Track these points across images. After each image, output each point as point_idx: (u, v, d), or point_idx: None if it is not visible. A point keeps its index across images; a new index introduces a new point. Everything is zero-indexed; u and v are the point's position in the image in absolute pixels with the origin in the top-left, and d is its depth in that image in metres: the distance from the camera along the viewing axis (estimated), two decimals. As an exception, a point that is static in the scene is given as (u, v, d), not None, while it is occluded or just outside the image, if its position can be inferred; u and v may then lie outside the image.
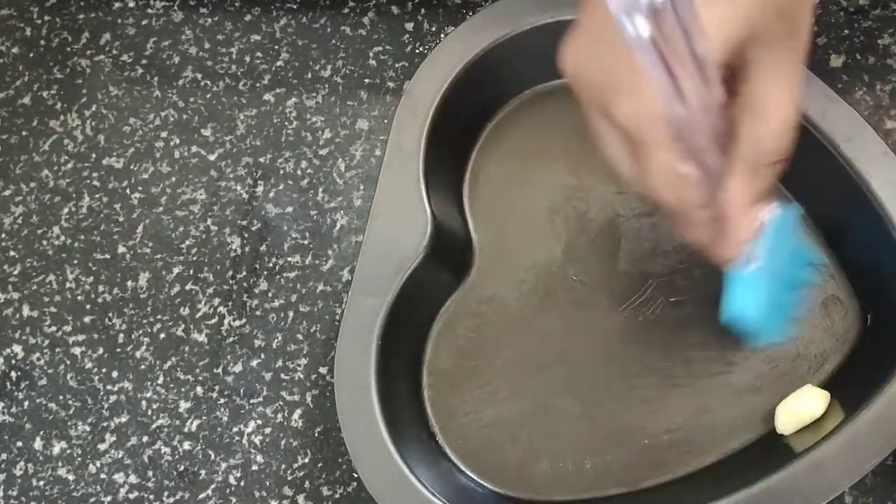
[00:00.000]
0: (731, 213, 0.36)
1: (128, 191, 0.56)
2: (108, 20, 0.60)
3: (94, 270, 0.55)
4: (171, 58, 0.58)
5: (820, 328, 0.47)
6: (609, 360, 0.48)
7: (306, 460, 0.49)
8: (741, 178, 0.36)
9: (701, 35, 0.29)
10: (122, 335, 0.53)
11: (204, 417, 0.51)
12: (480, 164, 0.52)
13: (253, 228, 0.54)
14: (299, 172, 0.55)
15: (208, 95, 0.57)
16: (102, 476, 0.51)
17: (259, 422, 0.50)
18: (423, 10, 0.56)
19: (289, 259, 0.53)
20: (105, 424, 0.52)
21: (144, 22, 0.59)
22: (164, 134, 0.57)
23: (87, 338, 0.53)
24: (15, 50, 0.60)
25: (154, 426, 0.51)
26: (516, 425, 0.47)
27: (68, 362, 0.53)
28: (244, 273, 0.53)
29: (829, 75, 0.48)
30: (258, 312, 0.52)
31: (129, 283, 0.54)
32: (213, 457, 0.50)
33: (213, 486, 0.50)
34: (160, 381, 0.52)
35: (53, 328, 0.54)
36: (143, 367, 0.52)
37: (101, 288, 0.54)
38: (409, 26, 0.56)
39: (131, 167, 0.56)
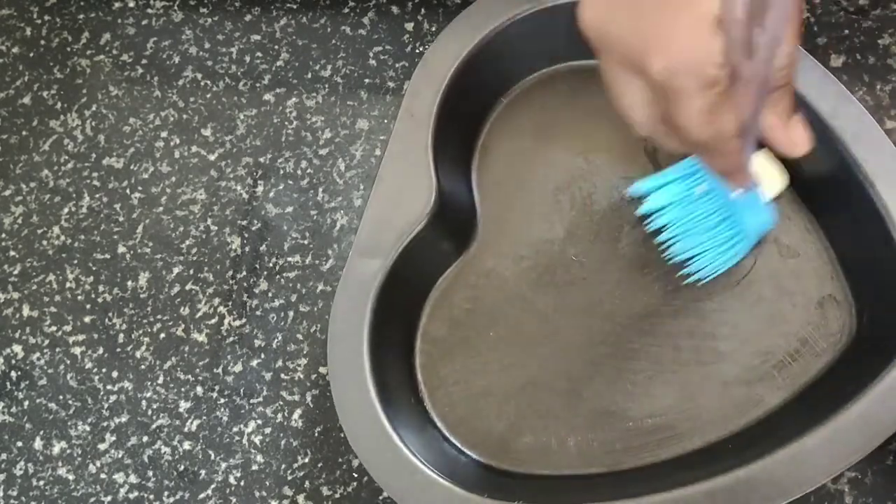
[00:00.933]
0: (774, 133, 0.40)
1: (128, 191, 0.56)
2: (108, 20, 0.60)
3: (94, 270, 0.55)
4: (171, 58, 0.58)
5: (814, 326, 0.47)
6: (601, 342, 0.48)
7: (306, 460, 0.49)
8: (770, 107, 0.38)
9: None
10: (122, 335, 0.53)
11: (204, 417, 0.51)
12: (492, 138, 0.53)
13: (253, 228, 0.54)
14: (299, 172, 0.55)
15: (208, 95, 0.57)
16: (102, 476, 0.51)
17: (259, 422, 0.50)
18: (423, 10, 0.56)
19: (289, 259, 0.53)
20: (105, 424, 0.52)
21: (144, 22, 0.59)
22: (164, 134, 0.57)
23: (87, 338, 0.53)
24: (15, 50, 0.60)
25: (154, 426, 0.51)
26: (504, 398, 0.48)
27: (68, 362, 0.53)
28: (244, 273, 0.53)
29: (829, 75, 0.48)
30: (258, 312, 0.52)
31: (129, 283, 0.54)
32: (213, 457, 0.50)
33: (213, 486, 0.50)
34: (160, 381, 0.52)
35: (53, 328, 0.54)
36: (143, 367, 0.52)
37: (101, 288, 0.54)
38: (409, 26, 0.56)
39: (131, 167, 0.56)
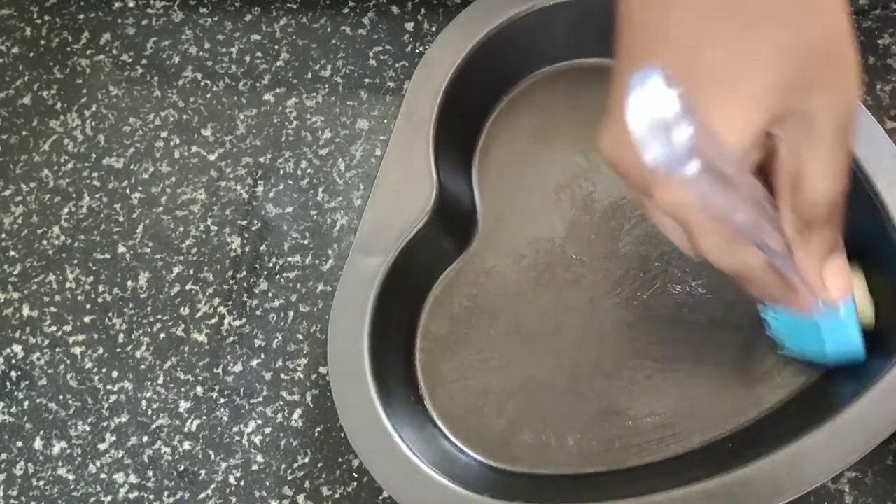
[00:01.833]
0: (805, 276, 0.37)
1: (128, 191, 0.56)
2: (108, 20, 0.60)
3: (94, 270, 0.55)
4: (171, 58, 0.58)
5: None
6: (601, 341, 0.48)
7: (306, 460, 0.49)
8: (797, 243, 0.36)
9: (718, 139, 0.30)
10: (122, 335, 0.53)
11: (204, 417, 0.51)
12: (492, 137, 0.53)
13: (253, 228, 0.54)
14: (299, 172, 0.55)
15: (208, 95, 0.57)
16: (102, 476, 0.51)
17: (259, 422, 0.50)
18: (423, 10, 0.56)
19: (289, 259, 0.53)
20: (105, 424, 0.52)
21: (144, 22, 0.59)
22: (164, 134, 0.57)
23: (87, 338, 0.53)
24: (15, 50, 0.60)
25: (154, 426, 0.51)
26: (504, 396, 0.48)
27: (68, 362, 0.53)
28: (244, 273, 0.53)
29: (829, 75, 0.48)
30: (258, 312, 0.52)
31: (129, 283, 0.54)
32: (213, 457, 0.50)
33: (213, 486, 0.50)
34: (160, 381, 0.52)
35: (53, 328, 0.54)
36: (143, 367, 0.52)
37: (101, 288, 0.54)
38: (409, 26, 0.56)
39: (131, 167, 0.56)
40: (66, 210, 0.56)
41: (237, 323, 0.52)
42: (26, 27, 0.61)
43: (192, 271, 0.54)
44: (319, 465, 0.49)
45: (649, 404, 0.47)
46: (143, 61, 0.59)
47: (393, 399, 0.46)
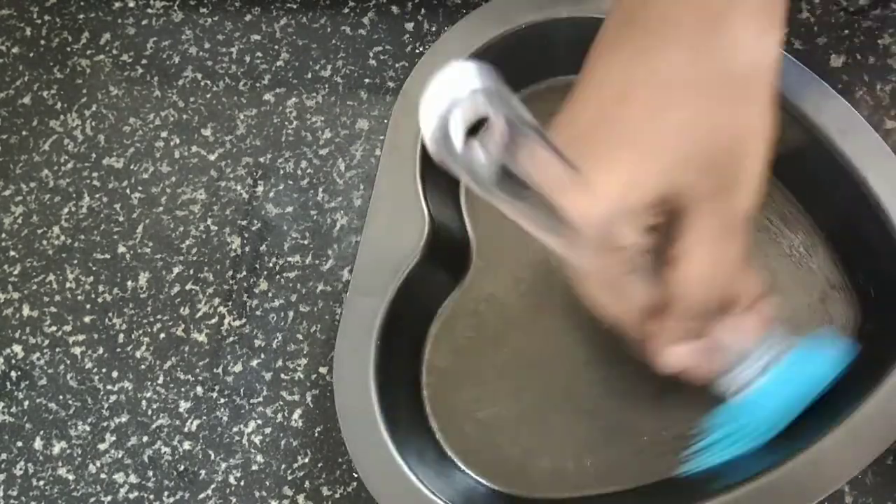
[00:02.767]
0: (653, 348, 0.38)
1: (128, 191, 0.56)
2: (108, 20, 0.60)
3: (94, 270, 0.55)
4: (171, 58, 0.58)
5: (818, 324, 0.47)
6: (608, 359, 0.48)
7: (306, 460, 0.49)
8: (664, 318, 0.36)
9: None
10: (122, 335, 0.53)
11: (204, 417, 0.51)
12: None
13: (253, 228, 0.54)
14: (299, 172, 0.55)
15: (208, 95, 0.57)
16: (102, 476, 0.51)
17: (259, 422, 0.50)
18: (423, 10, 0.56)
19: (289, 259, 0.53)
20: (105, 424, 0.52)
21: (144, 22, 0.59)
22: (164, 134, 0.57)
23: (87, 338, 0.53)
24: (15, 50, 0.60)
25: (154, 426, 0.51)
26: (516, 423, 0.48)
27: (68, 362, 0.53)
28: (244, 273, 0.53)
29: (829, 75, 0.48)
30: (258, 312, 0.52)
31: (129, 283, 0.54)
32: (213, 457, 0.50)
33: (213, 486, 0.50)
34: (160, 381, 0.52)
35: (53, 328, 0.54)
36: (143, 367, 0.52)
37: (101, 288, 0.54)
38: (409, 26, 0.56)
39: (131, 167, 0.56)
40: (66, 210, 0.56)
41: (237, 323, 0.52)
42: (26, 27, 0.61)
43: (192, 271, 0.54)
44: (319, 465, 0.49)
45: (664, 418, 0.46)
46: (143, 61, 0.59)
47: (405, 437, 0.45)
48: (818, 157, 0.45)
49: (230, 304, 0.53)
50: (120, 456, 0.51)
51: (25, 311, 0.54)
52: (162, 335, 0.53)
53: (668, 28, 0.32)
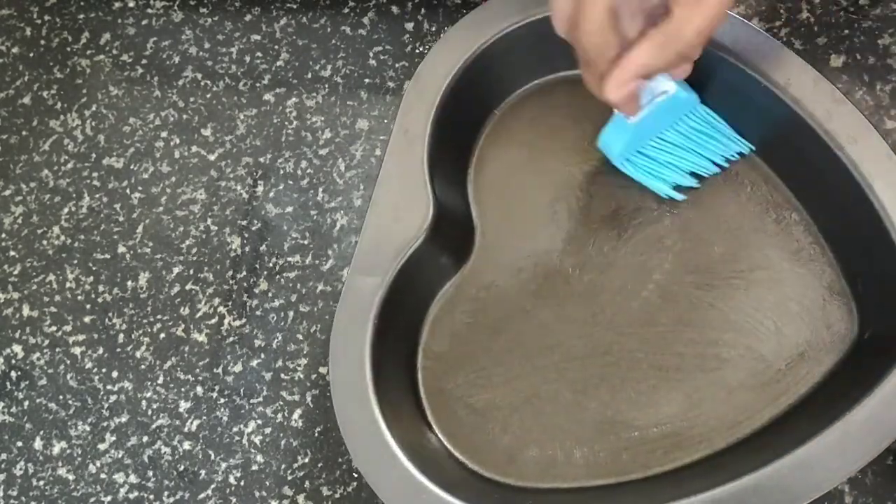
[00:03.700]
0: (621, 67, 0.41)
1: (128, 191, 0.56)
2: (108, 20, 0.60)
3: (94, 270, 0.55)
4: (171, 58, 0.58)
5: (817, 329, 0.47)
6: (603, 352, 0.48)
7: (306, 460, 0.49)
8: (648, 44, 0.40)
9: None
10: (122, 335, 0.53)
11: (204, 417, 0.51)
12: (486, 151, 0.53)
13: (253, 228, 0.54)
14: (299, 172, 0.55)
15: (208, 95, 0.57)
16: (102, 476, 0.51)
17: (259, 422, 0.50)
18: (423, 10, 0.56)
19: (289, 259, 0.53)
20: (105, 424, 0.52)
21: (144, 22, 0.59)
22: (164, 134, 0.57)
23: (87, 338, 0.53)
24: (15, 50, 0.60)
25: (154, 426, 0.51)
26: (508, 411, 0.48)
27: (68, 362, 0.53)
28: (244, 273, 0.53)
29: (830, 75, 0.48)
30: (258, 312, 0.52)
31: (129, 283, 0.54)
32: (213, 457, 0.50)
33: (213, 486, 0.50)
34: (160, 381, 0.52)
35: (53, 328, 0.54)
36: (143, 367, 0.52)
37: (101, 288, 0.54)
38: (409, 26, 0.56)
39: (131, 167, 0.56)
40: (66, 210, 0.56)
41: (237, 323, 0.52)
42: (26, 27, 0.61)
43: (192, 271, 0.54)
44: (319, 465, 0.49)
45: (655, 414, 0.46)
46: (143, 61, 0.59)
47: (397, 419, 0.45)
48: (827, 162, 0.45)
49: (230, 304, 0.53)
50: (120, 456, 0.51)
51: (25, 311, 0.54)
52: (162, 335, 0.53)
53: None
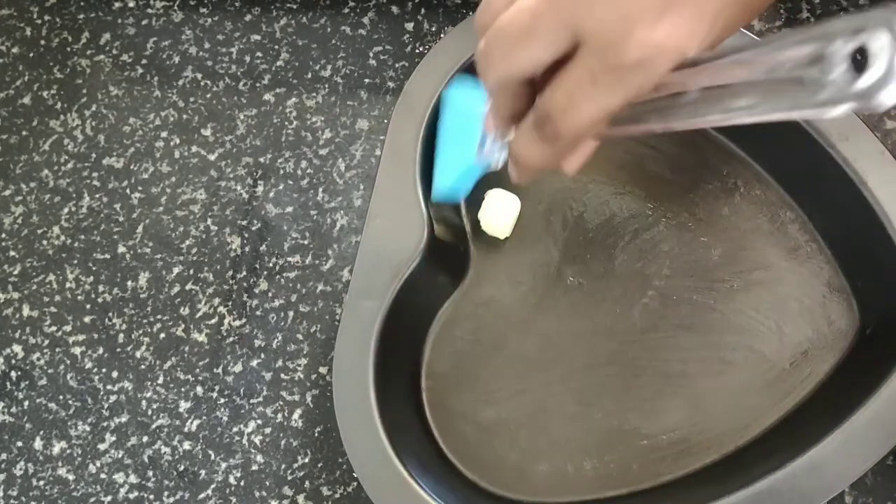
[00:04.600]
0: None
1: (128, 191, 0.56)
2: (108, 20, 0.60)
3: (94, 270, 0.55)
4: (171, 58, 0.58)
5: (819, 328, 0.47)
6: (606, 361, 0.48)
7: (306, 460, 0.49)
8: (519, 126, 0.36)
9: None
10: (122, 335, 0.53)
11: (204, 417, 0.51)
12: None
13: (253, 228, 0.54)
14: (299, 172, 0.55)
15: (208, 95, 0.57)
16: (102, 476, 0.51)
17: (259, 422, 0.50)
18: (423, 10, 0.56)
19: (289, 259, 0.53)
20: (105, 424, 0.52)
21: (144, 22, 0.59)
22: (164, 134, 0.57)
23: (87, 338, 0.53)
24: (15, 50, 0.60)
25: (154, 426, 0.51)
26: (515, 427, 0.47)
27: (68, 362, 0.53)
28: (244, 273, 0.53)
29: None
30: (258, 312, 0.52)
31: (129, 283, 0.54)
32: (213, 457, 0.50)
33: (213, 486, 0.50)
34: (160, 381, 0.52)
35: (53, 328, 0.54)
36: (143, 367, 0.52)
37: (101, 288, 0.54)
38: (409, 26, 0.56)
39: (131, 167, 0.56)
40: (66, 210, 0.56)
41: (237, 323, 0.52)
42: (26, 27, 0.61)
43: (192, 271, 0.54)
44: (319, 465, 0.49)
45: (662, 421, 0.46)
46: (143, 61, 0.59)
47: (404, 441, 0.45)
48: (819, 160, 0.45)
49: (230, 304, 0.53)
50: (120, 456, 0.51)
51: (25, 311, 0.54)
52: (162, 335, 0.53)
53: None
